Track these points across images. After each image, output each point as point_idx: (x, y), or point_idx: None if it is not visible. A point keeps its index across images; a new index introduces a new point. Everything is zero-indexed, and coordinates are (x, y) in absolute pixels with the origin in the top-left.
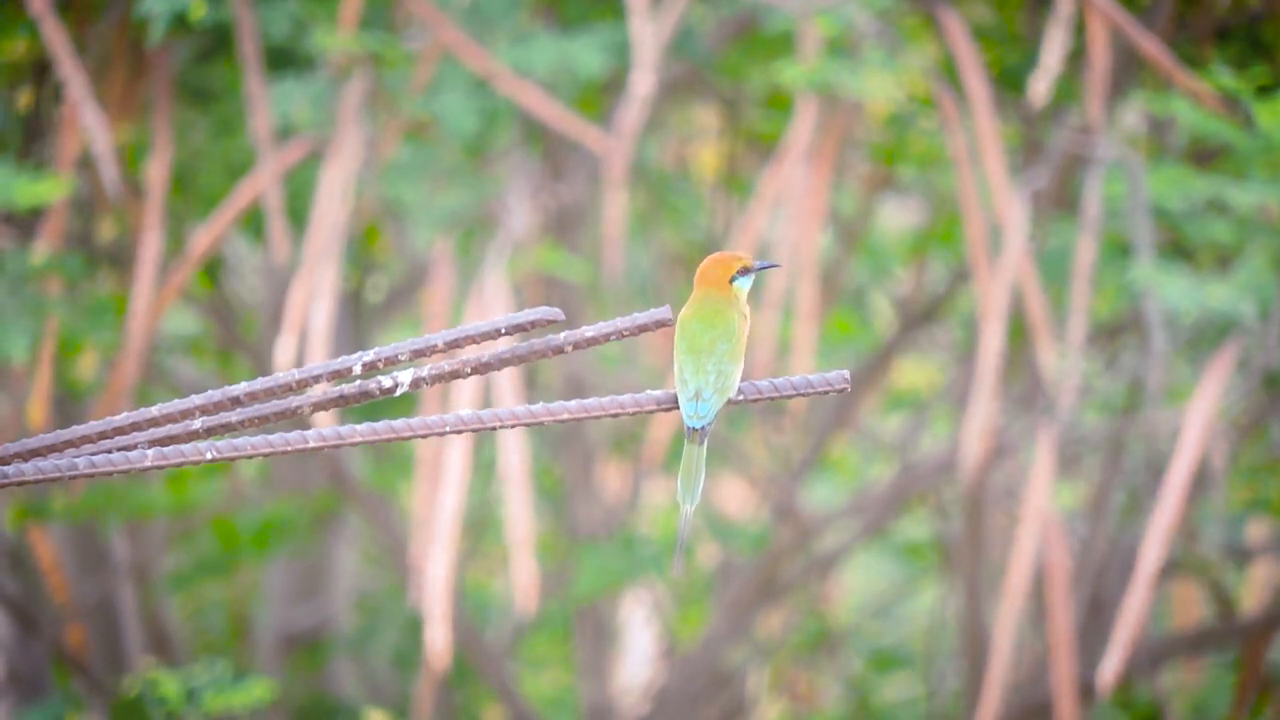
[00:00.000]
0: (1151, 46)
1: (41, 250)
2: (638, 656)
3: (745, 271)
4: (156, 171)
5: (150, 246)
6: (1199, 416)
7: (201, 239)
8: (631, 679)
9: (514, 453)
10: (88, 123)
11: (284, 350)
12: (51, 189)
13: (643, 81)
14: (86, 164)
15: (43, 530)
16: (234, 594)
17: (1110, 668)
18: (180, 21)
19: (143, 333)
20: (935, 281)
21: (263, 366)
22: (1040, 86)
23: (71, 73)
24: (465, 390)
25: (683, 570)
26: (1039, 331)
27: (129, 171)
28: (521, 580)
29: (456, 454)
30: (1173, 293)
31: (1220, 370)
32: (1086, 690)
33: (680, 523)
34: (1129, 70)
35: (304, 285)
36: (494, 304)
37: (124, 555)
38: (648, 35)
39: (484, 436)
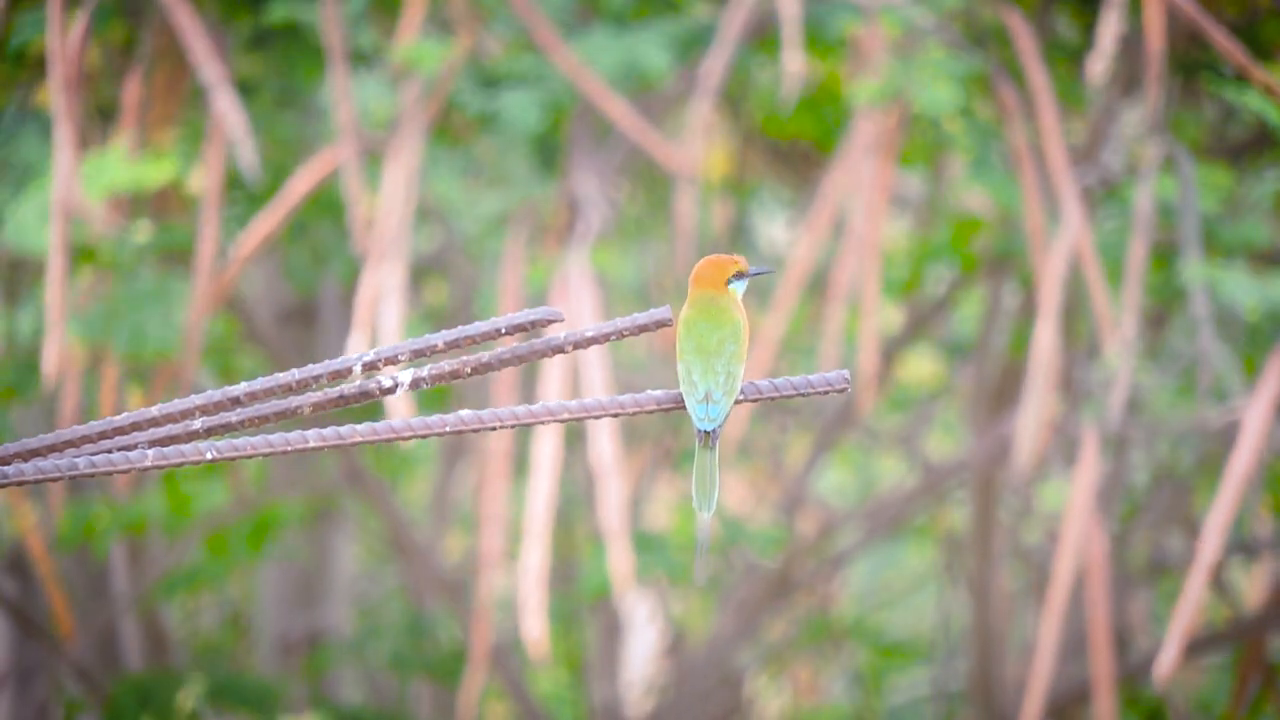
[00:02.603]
0: (1218, 34)
1: (145, 229)
2: (643, 654)
3: (740, 276)
4: (213, 164)
5: (209, 240)
6: (1259, 411)
7: (252, 235)
8: (637, 676)
9: (605, 443)
10: (223, 108)
11: (356, 348)
12: (160, 171)
13: (793, 60)
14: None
15: (40, 542)
16: (233, 597)
17: (1168, 659)
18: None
19: (200, 327)
20: (939, 279)
21: (276, 368)
22: (1097, 67)
23: (206, 59)
24: (554, 377)
25: (704, 577)
26: (1103, 323)
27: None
28: (617, 569)
29: (548, 446)
30: (1233, 288)
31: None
32: (1080, 692)
33: (699, 530)
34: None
35: (371, 283)
36: (580, 294)
37: (122, 560)
38: (793, 12)
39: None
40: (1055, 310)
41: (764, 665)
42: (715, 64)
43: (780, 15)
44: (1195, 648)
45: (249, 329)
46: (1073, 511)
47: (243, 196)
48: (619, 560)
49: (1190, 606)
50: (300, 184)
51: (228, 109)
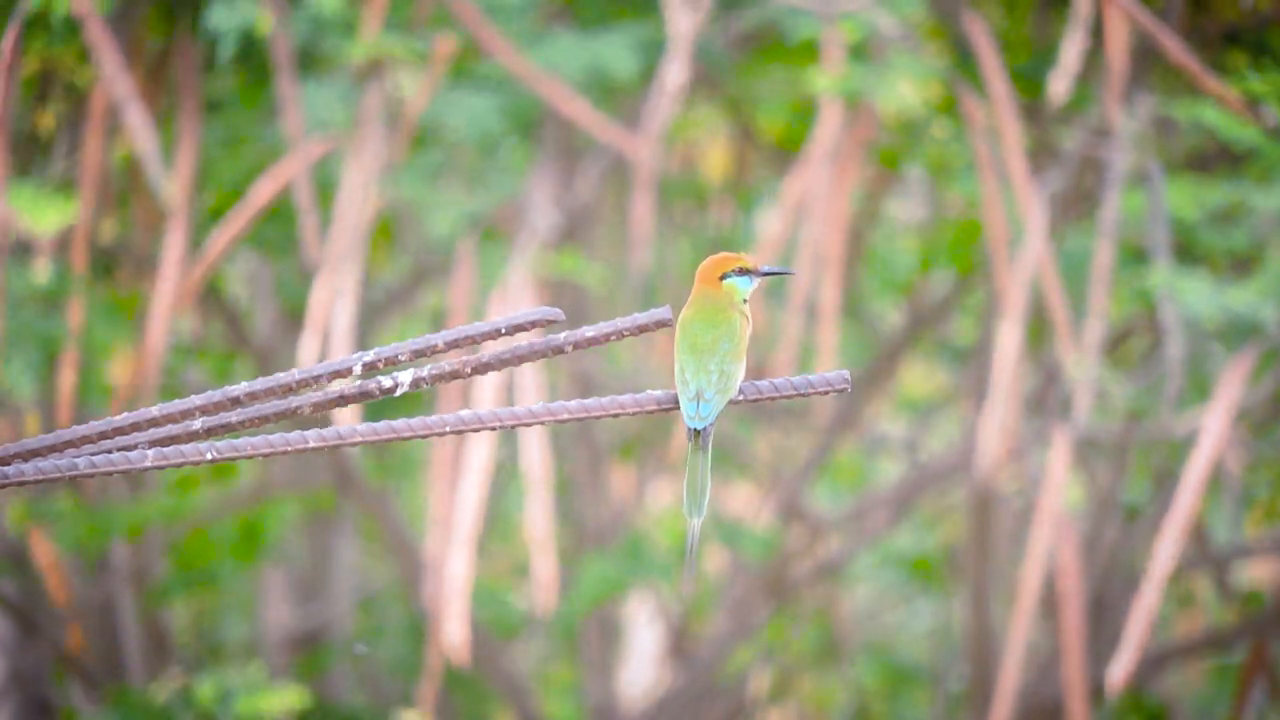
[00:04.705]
0: (1175, 48)
1: (44, 270)
2: (643, 657)
3: (744, 272)
4: (181, 172)
5: (175, 248)
6: (1217, 419)
7: (219, 238)
8: (637, 679)
9: (535, 453)
10: (133, 122)
11: (307, 349)
12: (71, 211)
13: (676, 72)
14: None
15: (42, 531)
16: (236, 597)
17: (1121, 669)
18: (247, 38)
19: (163, 332)
20: (942, 283)
21: (269, 367)
22: (1059, 86)
23: (115, 72)
24: (487, 388)
25: (693, 585)
26: (1061, 329)
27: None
28: (541, 580)
29: (478, 453)
30: (1193, 298)
31: (1239, 373)
32: (1093, 692)
33: (688, 537)
34: (1139, 74)
35: (326, 284)
36: (518, 302)
37: (123, 560)
38: (683, 26)
39: (501, 435)
40: (1020, 315)
41: (764, 671)
42: (671, 70)
43: (670, 33)
44: (1199, 651)
45: (238, 335)
46: (1041, 516)
47: (217, 203)
48: (543, 570)
49: (1144, 617)
50: (263, 190)
51: (137, 125)
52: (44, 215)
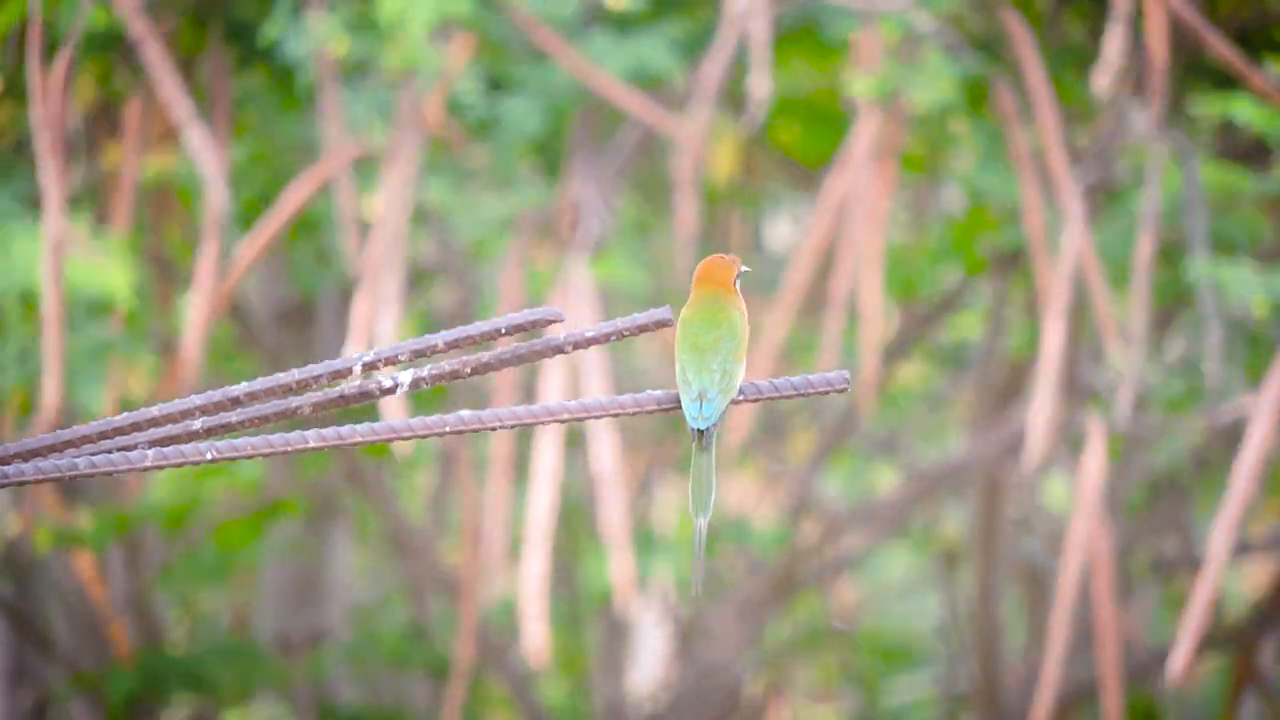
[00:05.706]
0: (1217, 41)
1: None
2: (650, 655)
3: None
4: (214, 184)
5: (209, 258)
6: (1270, 403)
7: (251, 245)
8: (644, 677)
9: (605, 449)
10: (196, 145)
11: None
12: (122, 278)
13: (761, 84)
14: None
15: (81, 549)
16: (232, 600)
17: (1180, 658)
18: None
19: (200, 340)
20: (942, 282)
21: (275, 368)
22: (1103, 80)
23: (175, 95)
24: (553, 382)
25: (701, 585)
26: (1104, 322)
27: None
28: (619, 576)
29: (549, 451)
30: (1237, 284)
31: None
32: (1081, 692)
33: (695, 537)
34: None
35: (368, 293)
36: (580, 301)
37: (119, 558)
38: (762, 33)
39: (519, 432)
40: (1064, 309)
41: (771, 667)
42: (713, 69)
43: (750, 39)
44: (1195, 652)
45: (245, 330)
46: (1080, 507)
47: (244, 201)
48: (621, 568)
49: (1203, 605)
50: (294, 196)
51: (200, 146)
52: (98, 278)
